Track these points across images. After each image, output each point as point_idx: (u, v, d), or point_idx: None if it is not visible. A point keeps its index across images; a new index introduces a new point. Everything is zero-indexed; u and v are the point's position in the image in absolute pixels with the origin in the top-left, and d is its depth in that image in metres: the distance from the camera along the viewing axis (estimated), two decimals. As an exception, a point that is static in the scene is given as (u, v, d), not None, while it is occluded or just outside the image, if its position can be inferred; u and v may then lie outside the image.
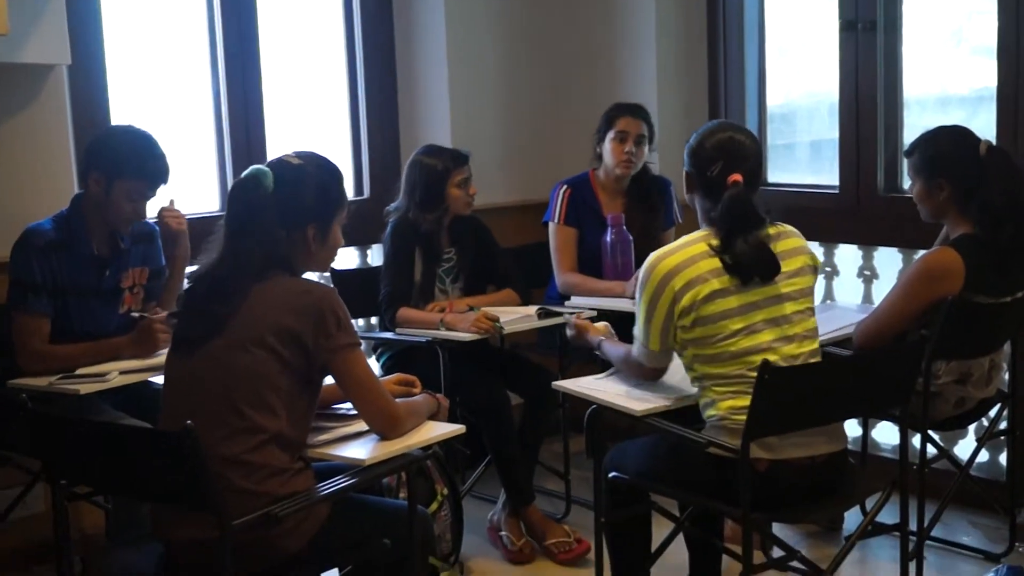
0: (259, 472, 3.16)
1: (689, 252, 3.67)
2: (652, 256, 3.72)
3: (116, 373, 4.10)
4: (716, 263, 3.63)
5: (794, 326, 3.68)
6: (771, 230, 3.71)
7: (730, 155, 3.69)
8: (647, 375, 3.90)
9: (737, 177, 3.65)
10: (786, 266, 3.69)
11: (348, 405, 3.56)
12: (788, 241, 3.76)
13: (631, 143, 5.42)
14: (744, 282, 3.63)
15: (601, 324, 4.28)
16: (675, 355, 3.82)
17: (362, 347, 3.40)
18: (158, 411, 3.41)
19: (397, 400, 3.48)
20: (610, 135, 5.45)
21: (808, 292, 3.76)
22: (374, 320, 5.63)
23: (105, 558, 3.40)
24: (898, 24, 5.46)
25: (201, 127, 5.56)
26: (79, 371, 4.13)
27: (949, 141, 4.43)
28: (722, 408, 3.61)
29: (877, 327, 4.41)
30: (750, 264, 3.62)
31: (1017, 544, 4.80)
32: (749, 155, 3.71)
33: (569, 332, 4.31)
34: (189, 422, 2.94)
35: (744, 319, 3.62)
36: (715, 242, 3.65)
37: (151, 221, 4.56)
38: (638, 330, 3.79)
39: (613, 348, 4.05)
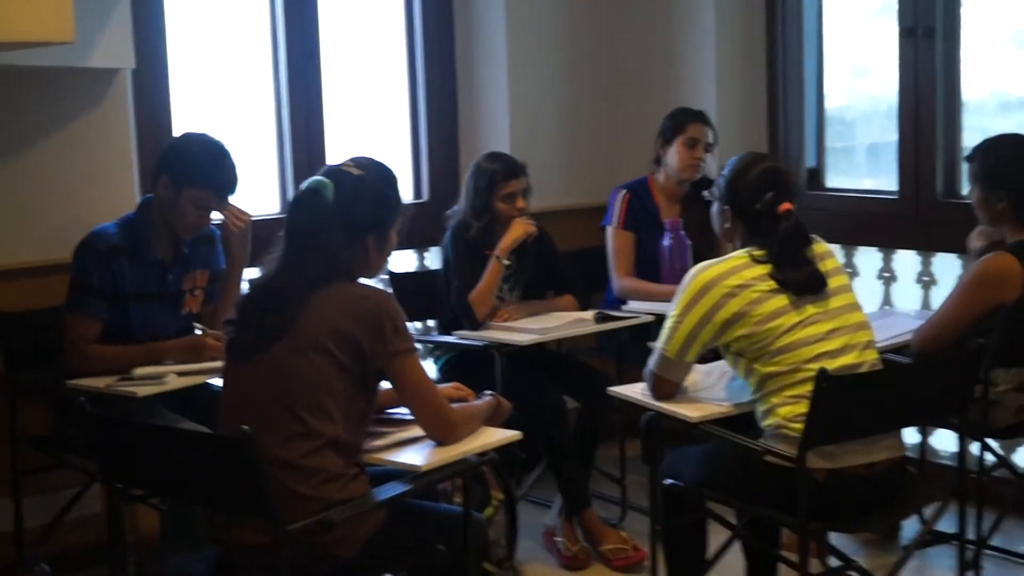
0: (315, 477, 3.17)
1: (731, 264, 3.71)
2: (695, 267, 3.75)
3: (173, 376, 4.13)
4: (761, 269, 3.67)
5: (853, 336, 3.68)
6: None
7: (779, 185, 3.75)
8: (657, 390, 3.84)
9: (788, 206, 3.72)
10: (832, 281, 3.73)
11: (404, 410, 3.56)
12: (819, 247, 3.80)
13: (701, 149, 5.43)
14: (798, 296, 3.66)
15: None
16: (730, 366, 3.82)
17: (418, 352, 3.42)
18: (216, 414, 3.43)
19: (453, 406, 3.49)
20: (679, 139, 5.45)
21: (856, 305, 3.77)
22: (431, 323, 5.65)
23: (160, 561, 3.42)
24: (957, 29, 5.43)
25: (262, 130, 5.60)
26: (137, 372, 4.16)
27: (1009, 151, 4.40)
28: (780, 415, 3.59)
29: (935, 333, 4.39)
30: (801, 284, 3.66)
31: (1075, 555, 4.75)
32: (793, 182, 3.81)
33: None
34: (246, 427, 2.96)
35: (798, 313, 3.63)
36: (758, 253, 3.70)
37: (212, 223, 4.58)
38: (660, 337, 3.79)
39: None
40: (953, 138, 5.51)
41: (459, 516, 3.44)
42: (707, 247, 5.19)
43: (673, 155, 5.48)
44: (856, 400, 3.50)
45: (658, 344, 3.79)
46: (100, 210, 4.60)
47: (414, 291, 5.26)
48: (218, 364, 3.87)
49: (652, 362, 3.82)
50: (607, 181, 5.87)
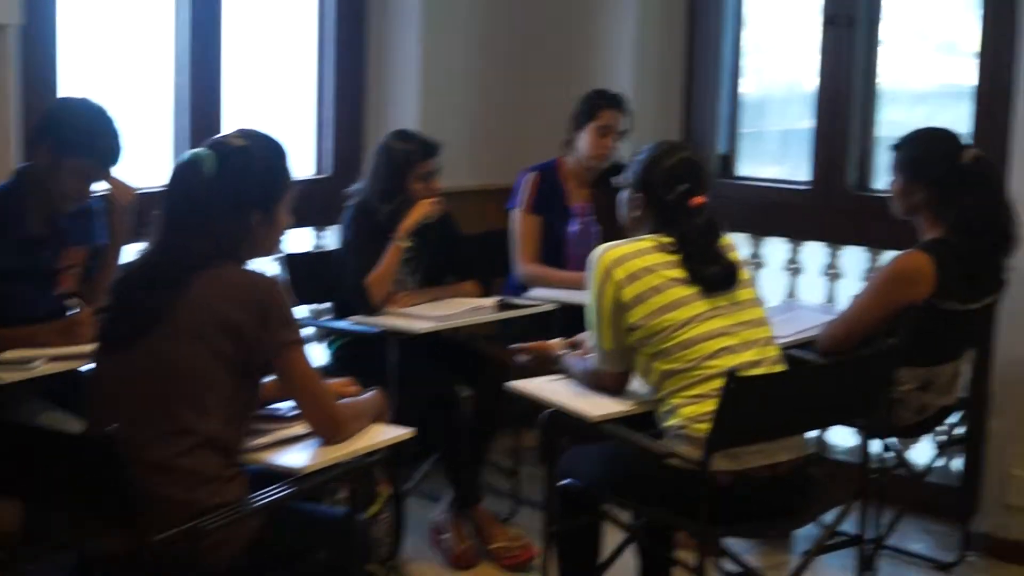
0: (188, 479, 2.98)
1: (636, 246, 3.61)
2: (597, 249, 3.64)
3: (43, 360, 3.87)
4: (666, 256, 3.57)
5: (755, 331, 3.59)
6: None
7: (694, 177, 3.65)
8: (609, 384, 3.72)
9: (701, 200, 3.61)
10: (741, 273, 3.65)
11: (288, 405, 3.38)
12: (724, 240, 3.70)
13: (611, 137, 5.29)
14: (707, 291, 3.55)
15: (555, 340, 4.10)
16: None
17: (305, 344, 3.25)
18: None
19: (341, 401, 3.33)
20: (591, 125, 5.30)
21: (757, 301, 3.70)
22: (326, 306, 5.46)
23: (10, 570, 3.21)
24: (876, 21, 5.41)
25: (157, 96, 5.36)
26: (2, 357, 3.89)
27: (936, 144, 4.38)
28: (683, 415, 3.48)
29: (844, 331, 4.34)
30: (712, 280, 3.56)
31: (967, 553, 4.79)
32: (708, 175, 3.72)
33: (523, 359, 4.08)
34: (113, 426, 2.77)
35: (696, 307, 3.53)
36: (666, 240, 3.59)
37: (94, 196, 4.34)
38: (590, 331, 3.68)
39: (574, 362, 3.88)
40: (868, 129, 5.49)
41: (342, 520, 3.28)
42: (615, 234, 5.03)
43: (584, 140, 5.33)
44: (764, 402, 3.41)
45: (590, 342, 3.70)
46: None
47: (310, 273, 5.08)
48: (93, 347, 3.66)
49: (597, 361, 3.70)
50: (515, 162, 5.72)
